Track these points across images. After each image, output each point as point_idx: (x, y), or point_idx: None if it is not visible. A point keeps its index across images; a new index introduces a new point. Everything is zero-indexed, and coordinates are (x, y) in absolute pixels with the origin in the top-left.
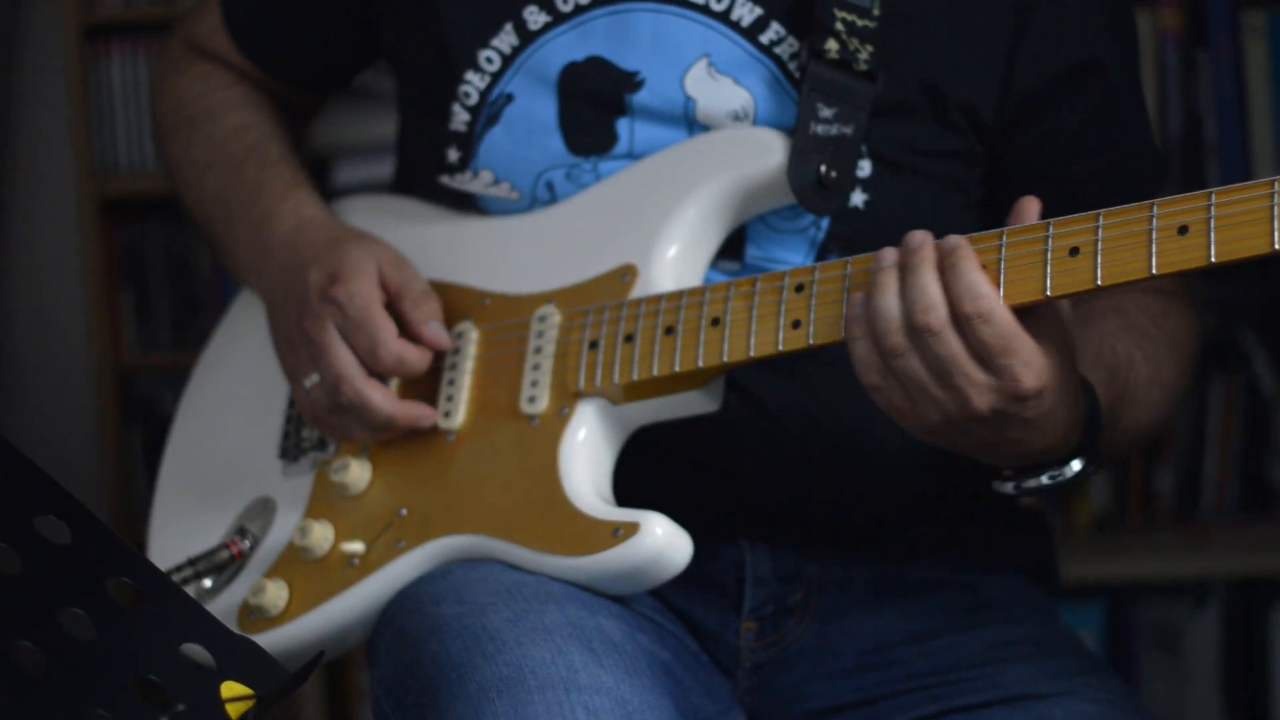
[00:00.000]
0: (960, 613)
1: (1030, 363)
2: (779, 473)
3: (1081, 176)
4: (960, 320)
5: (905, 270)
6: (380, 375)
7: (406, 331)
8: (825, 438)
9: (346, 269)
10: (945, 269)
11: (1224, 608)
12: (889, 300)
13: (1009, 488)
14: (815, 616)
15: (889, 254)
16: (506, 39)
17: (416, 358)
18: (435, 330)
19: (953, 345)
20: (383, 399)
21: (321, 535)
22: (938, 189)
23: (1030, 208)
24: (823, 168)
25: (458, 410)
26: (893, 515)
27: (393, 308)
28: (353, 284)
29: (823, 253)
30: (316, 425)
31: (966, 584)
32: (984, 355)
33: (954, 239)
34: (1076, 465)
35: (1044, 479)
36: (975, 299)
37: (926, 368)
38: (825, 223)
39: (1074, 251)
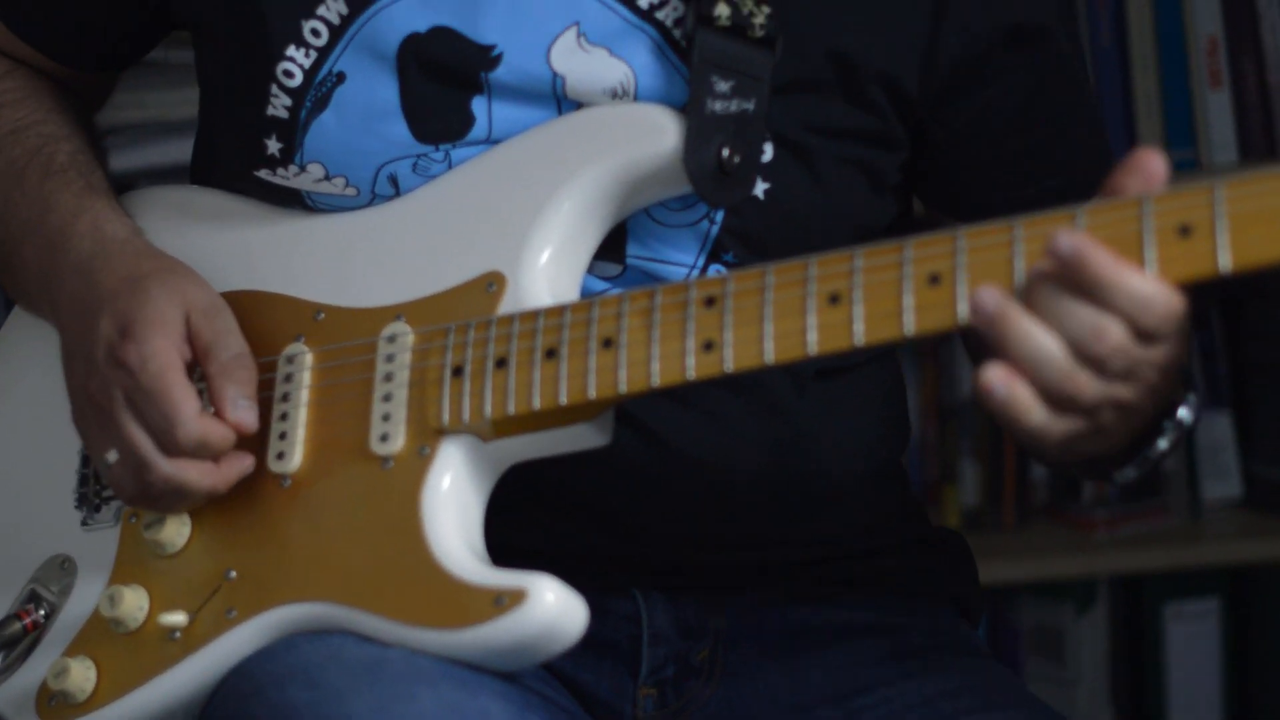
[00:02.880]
0: (887, 661)
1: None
2: (677, 513)
3: (1024, 155)
4: (1141, 332)
5: (1039, 300)
6: None
7: (211, 400)
8: (730, 471)
9: (141, 321)
10: (1088, 285)
11: (1111, 608)
12: (1042, 343)
13: (1130, 471)
14: (723, 676)
15: (989, 298)
16: (334, 6)
17: (221, 438)
18: (242, 411)
19: (1133, 351)
20: (200, 476)
21: (134, 604)
22: (849, 176)
23: (1149, 163)
24: (724, 151)
25: (293, 450)
26: (807, 554)
27: (197, 367)
28: (147, 344)
29: (716, 250)
30: (125, 502)
31: (890, 626)
32: (1155, 335)
33: (1064, 243)
34: (1192, 398)
35: (1166, 437)
36: (1149, 308)
37: (1109, 381)
38: (720, 215)
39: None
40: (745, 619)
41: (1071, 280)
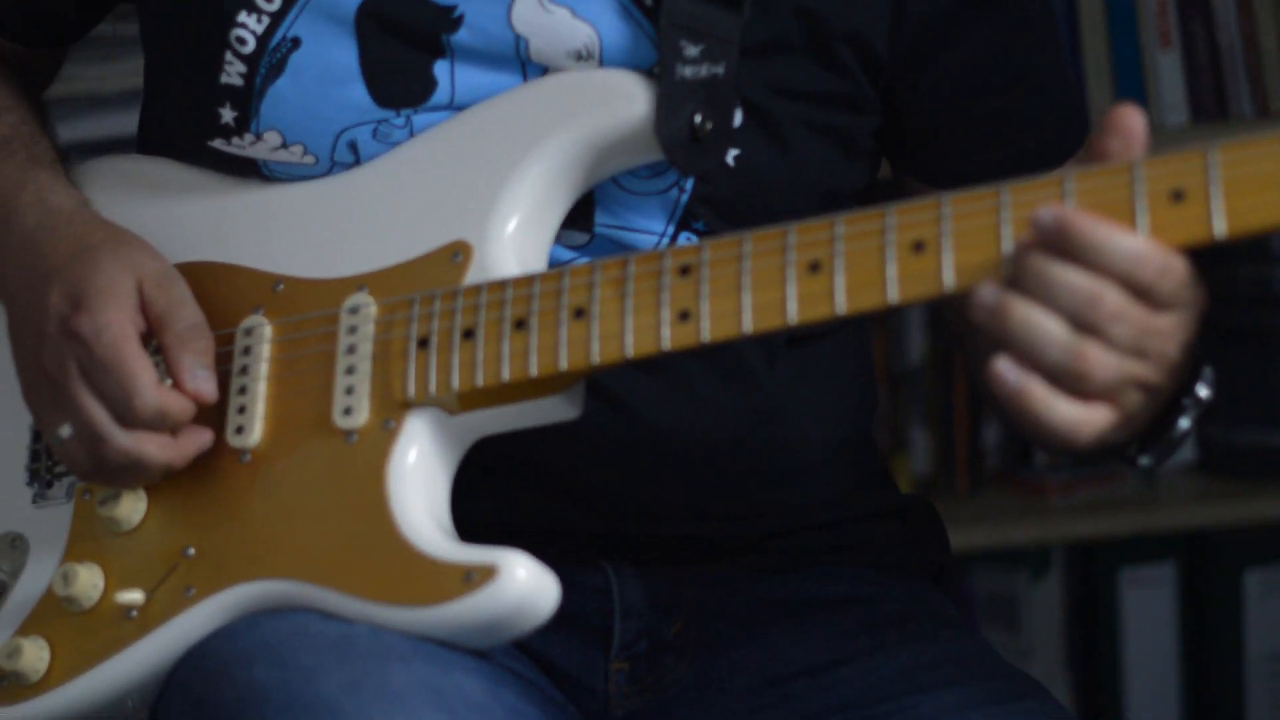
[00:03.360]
0: (862, 633)
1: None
2: (647, 484)
3: (997, 117)
4: (1139, 290)
5: (1030, 280)
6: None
7: (168, 371)
8: (701, 442)
9: (94, 292)
10: (1076, 251)
11: (1066, 575)
12: (1041, 324)
13: (1146, 457)
14: (697, 651)
15: (988, 292)
16: None
17: (181, 409)
18: (200, 381)
19: (1137, 317)
20: (157, 450)
21: (89, 582)
22: (819, 142)
23: (1127, 120)
24: (697, 117)
25: (252, 424)
26: (779, 524)
27: (152, 339)
28: (101, 314)
29: (686, 218)
30: (79, 478)
31: (865, 597)
32: (1169, 303)
33: (1044, 216)
34: (1208, 373)
35: (1187, 415)
36: (1142, 264)
37: (1122, 357)
38: (689, 183)
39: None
40: (718, 592)
41: (1059, 249)
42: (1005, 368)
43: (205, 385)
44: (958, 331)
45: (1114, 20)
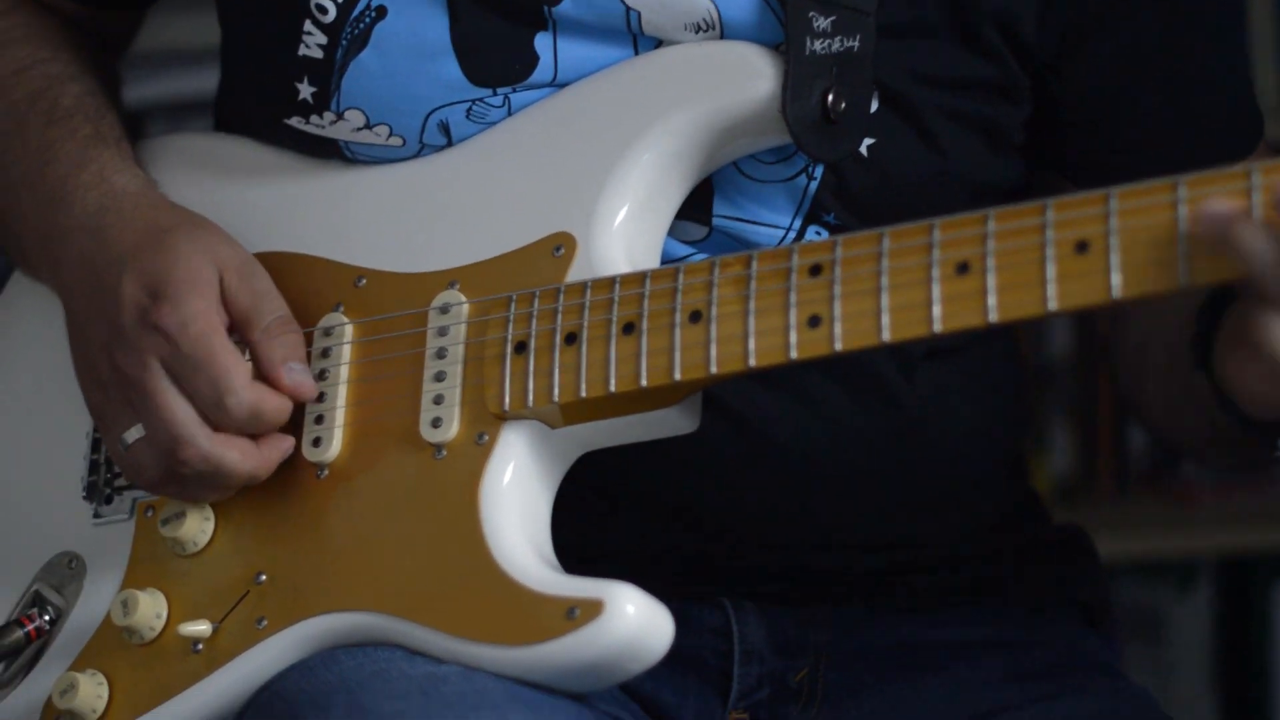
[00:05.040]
0: (1010, 684)
1: None
2: (771, 511)
3: (1158, 112)
4: None
5: None
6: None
7: (259, 368)
8: (830, 465)
9: (175, 282)
10: None
11: (1215, 588)
12: None
13: None
14: (824, 700)
15: (1255, 238)
16: None
17: (277, 408)
18: (297, 375)
19: None
20: (241, 457)
21: (151, 611)
22: (964, 133)
23: None
24: (829, 96)
25: (331, 436)
26: (918, 558)
27: (237, 336)
28: (185, 306)
29: (815, 211)
30: (145, 488)
31: (1014, 642)
32: None
33: None
34: None
35: None
36: None
37: None
38: (819, 171)
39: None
40: (849, 634)
41: None
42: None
43: (304, 380)
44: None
45: None
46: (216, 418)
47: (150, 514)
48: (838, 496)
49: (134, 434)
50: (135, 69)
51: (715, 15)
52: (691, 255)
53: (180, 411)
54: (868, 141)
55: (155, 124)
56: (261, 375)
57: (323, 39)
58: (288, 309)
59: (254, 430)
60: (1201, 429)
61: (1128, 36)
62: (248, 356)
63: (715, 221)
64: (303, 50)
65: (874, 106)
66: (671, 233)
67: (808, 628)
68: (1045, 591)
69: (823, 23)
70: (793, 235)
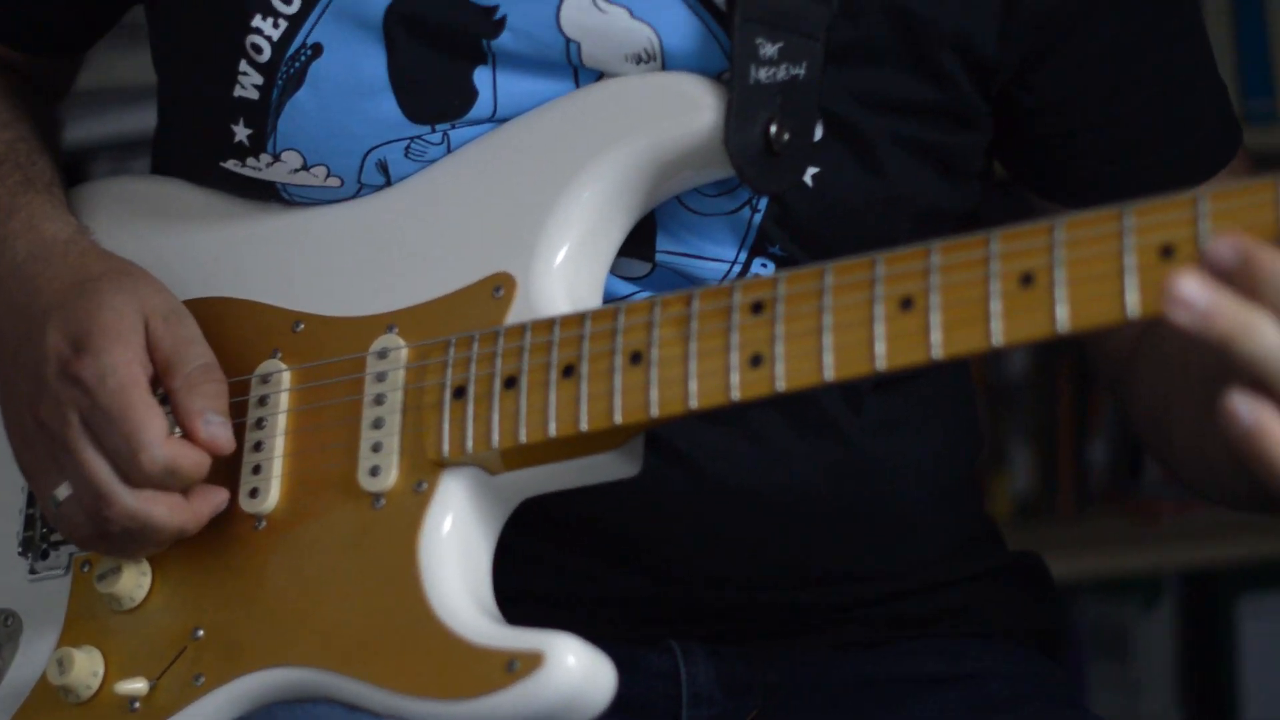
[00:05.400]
0: (967, 717)
1: None
2: (718, 550)
3: (1130, 122)
4: None
5: (1264, 285)
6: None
7: (177, 419)
8: (777, 501)
9: (98, 332)
10: None
11: (1179, 604)
12: (1273, 340)
13: None
14: None
15: (1193, 290)
16: None
17: (195, 463)
18: (214, 429)
19: None
20: (168, 512)
21: (87, 669)
22: (911, 160)
23: None
24: (772, 127)
25: (268, 487)
26: (870, 592)
27: (160, 384)
28: (105, 356)
29: (760, 243)
30: (77, 545)
31: (970, 674)
32: None
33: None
34: None
35: None
36: None
37: None
38: (763, 202)
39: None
40: (800, 672)
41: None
42: (1239, 402)
43: (220, 433)
44: (1116, 373)
45: (1240, 7)
46: (131, 474)
47: (87, 569)
48: (786, 533)
49: (64, 491)
50: (79, 108)
51: (657, 45)
52: (635, 293)
53: (98, 468)
54: (812, 170)
55: (100, 163)
56: (181, 426)
57: (258, 79)
58: (212, 357)
59: (172, 486)
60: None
61: (1094, 46)
62: (168, 409)
63: (659, 257)
64: (238, 91)
65: (818, 134)
66: (614, 270)
67: (758, 667)
68: (1002, 622)
69: (769, 49)
70: (738, 268)
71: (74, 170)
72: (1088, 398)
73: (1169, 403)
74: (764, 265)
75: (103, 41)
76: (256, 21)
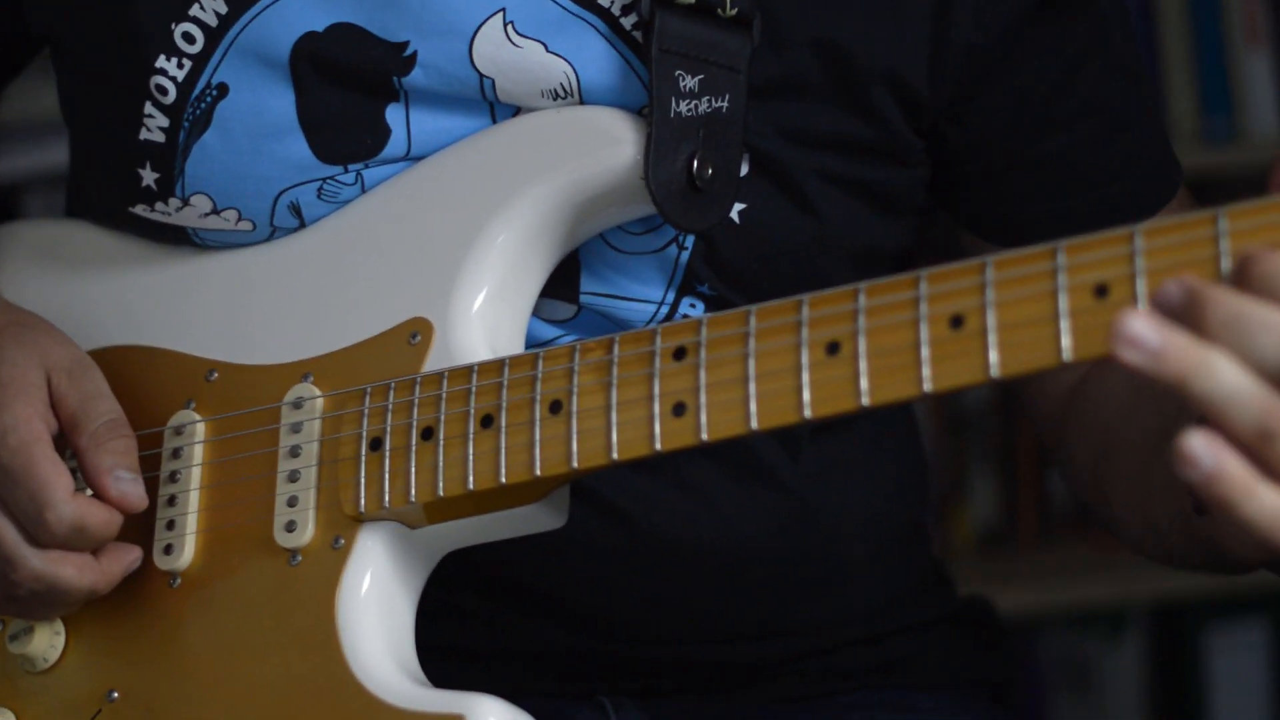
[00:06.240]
0: None
1: None
2: (650, 602)
3: (1064, 157)
4: None
5: (1216, 324)
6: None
7: (85, 477)
8: (711, 552)
9: None
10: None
11: (1145, 636)
12: (1229, 378)
13: None
14: None
15: (1143, 329)
16: (210, 5)
17: (104, 521)
18: (124, 485)
19: None
20: (77, 573)
21: None
22: (840, 196)
23: None
24: (694, 162)
25: (183, 543)
26: (810, 644)
27: (65, 440)
28: (6, 414)
29: (689, 281)
30: None
31: None
32: None
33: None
34: None
35: None
36: None
37: None
38: (690, 240)
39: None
40: None
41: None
42: (1197, 444)
43: (131, 490)
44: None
45: (1197, 15)
46: (38, 534)
47: (0, 627)
48: (721, 585)
49: None
50: (12, 139)
51: (574, 80)
52: (559, 338)
53: (4, 530)
54: (739, 207)
55: (34, 195)
56: (89, 484)
57: (164, 121)
58: (119, 411)
59: (80, 546)
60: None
61: (1023, 81)
62: (74, 465)
63: (583, 299)
64: (144, 134)
65: (744, 170)
66: (537, 312)
67: None
68: (948, 672)
69: (690, 82)
70: (665, 309)
71: (6, 204)
72: None
73: (1106, 466)
74: (693, 305)
75: (38, 71)
76: (160, 62)
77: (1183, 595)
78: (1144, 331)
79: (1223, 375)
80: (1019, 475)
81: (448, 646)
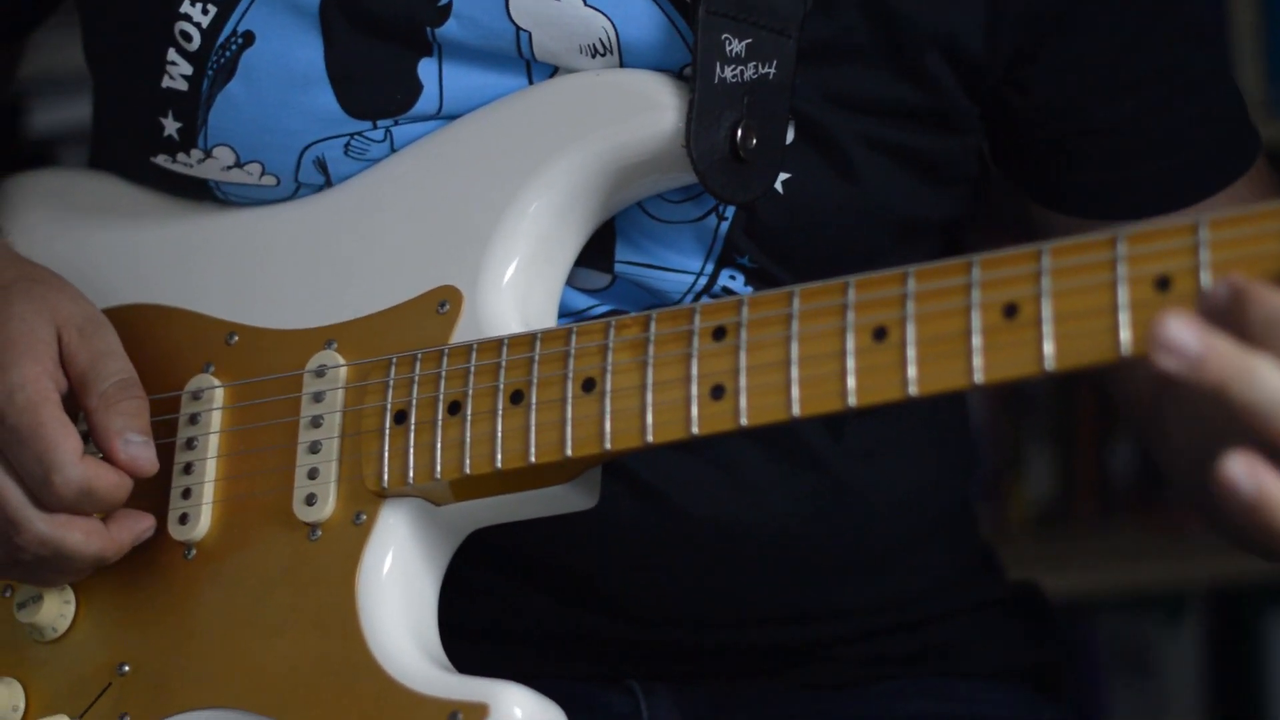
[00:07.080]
0: None
1: None
2: (684, 585)
3: (1132, 125)
4: None
5: (1259, 325)
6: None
7: (94, 439)
8: (749, 535)
9: (6, 345)
10: None
11: (1205, 619)
12: (1274, 385)
13: None
14: None
15: (1183, 334)
16: None
17: (112, 485)
18: (134, 449)
19: None
20: (84, 539)
21: (7, 703)
22: (889, 164)
23: None
24: (738, 131)
25: (199, 513)
26: (850, 629)
27: (75, 401)
28: (14, 371)
29: (728, 253)
30: None
31: (958, 715)
32: None
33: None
34: None
35: None
36: None
37: None
38: (730, 210)
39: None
40: (771, 714)
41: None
42: (1238, 469)
43: (142, 453)
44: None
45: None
46: (44, 496)
47: (9, 594)
48: (757, 569)
49: None
50: (46, 95)
51: (613, 36)
52: (593, 307)
53: (9, 492)
54: (783, 176)
55: (70, 149)
56: (98, 446)
57: (188, 69)
58: (132, 371)
59: (89, 510)
60: None
61: (1089, 44)
62: (85, 429)
63: (618, 268)
64: (166, 82)
65: (790, 137)
66: (571, 281)
67: (725, 709)
68: (993, 657)
69: (737, 46)
70: (704, 280)
71: (43, 159)
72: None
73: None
74: (732, 277)
75: (75, 23)
76: (185, 7)
77: (1243, 578)
78: (1183, 336)
79: (1265, 382)
80: (1077, 453)
81: (472, 627)
